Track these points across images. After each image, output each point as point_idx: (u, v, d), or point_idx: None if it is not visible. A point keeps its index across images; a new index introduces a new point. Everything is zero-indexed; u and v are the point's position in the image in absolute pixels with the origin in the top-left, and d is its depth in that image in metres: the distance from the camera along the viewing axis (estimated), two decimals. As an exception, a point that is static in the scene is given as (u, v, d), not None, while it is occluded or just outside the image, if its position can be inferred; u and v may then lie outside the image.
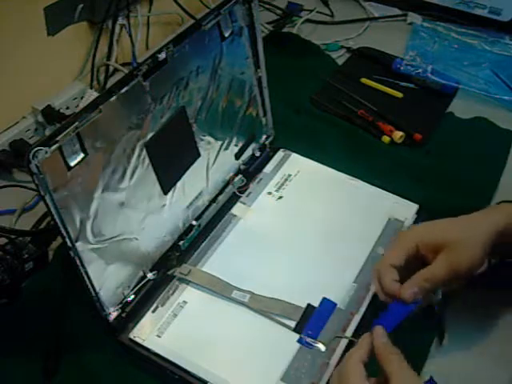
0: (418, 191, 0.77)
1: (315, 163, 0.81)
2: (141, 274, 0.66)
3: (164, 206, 0.68)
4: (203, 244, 0.70)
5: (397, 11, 1.16)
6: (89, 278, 0.57)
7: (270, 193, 0.77)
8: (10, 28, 0.79)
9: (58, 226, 0.53)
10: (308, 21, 1.14)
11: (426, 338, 0.63)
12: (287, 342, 0.61)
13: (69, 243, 0.54)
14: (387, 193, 0.76)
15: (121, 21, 0.95)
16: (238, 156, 0.79)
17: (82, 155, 0.54)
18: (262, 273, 0.67)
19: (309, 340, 0.61)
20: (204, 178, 0.74)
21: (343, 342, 0.61)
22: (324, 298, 0.64)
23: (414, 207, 0.74)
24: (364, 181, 0.78)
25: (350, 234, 0.71)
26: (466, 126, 0.90)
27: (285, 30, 1.11)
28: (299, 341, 0.61)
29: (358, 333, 0.61)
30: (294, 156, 0.82)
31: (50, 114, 0.83)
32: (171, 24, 1.09)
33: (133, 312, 0.63)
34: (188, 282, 0.66)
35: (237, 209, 0.75)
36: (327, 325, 0.62)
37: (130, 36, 0.97)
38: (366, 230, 0.70)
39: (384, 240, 0.70)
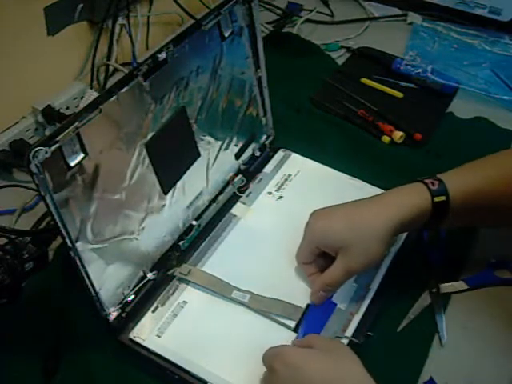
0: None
1: (315, 163, 0.81)
2: (141, 274, 0.66)
3: (164, 206, 0.68)
4: (203, 244, 0.70)
5: (397, 11, 1.16)
6: (89, 277, 0.57)
7: (270, 193, 0.77)
8: (10, 28, 0.80)
9: (58, 226, 0.53)
10: (308, 21, 1.14)
11: (425, 338, 0.63)
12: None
13: (69, 243, 0.54)
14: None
15: (121, 21, 0.95)
16: (238, 156, 0.79)
17: (81, 155, 0.54)
18: (262, 273, 0.67)
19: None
20: (204, 178, 0.74)
21: (343, 342, 0.60)
22: None
23: (414, 207, 0.74)
24: (364, 181, 0.78)
25: None
26: (466, 126, 0.90)
27: (285, 30, 1.11)
28: None
29: (358, 333, 0.61)
30: (294, 156, 0.82)
31: (50, 114, 0.83)
32: (171, 24, 1.09)
33: (133, 312, 0.63)
34: (188, 282, 0.66)
35: (237, 209, 0.75)
36: (327, 325, 0.62)
37: (130, 36, 0.97)
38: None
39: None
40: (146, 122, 0.62)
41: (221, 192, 0.76)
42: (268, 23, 1.12)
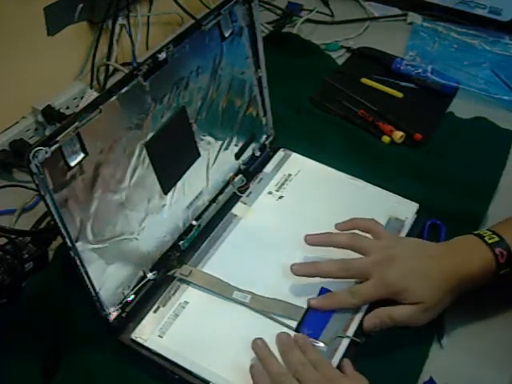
0: (418, 191, 0.77)
1: (315, 163, 0.81)
2: (141, 274, 0.66)
3: (164, 206, 0.68)
4: (204, 244, 0.70)
5: (397, 11, 1.16)
6: (89, 277, 0.57)
7: (270, 192, 0.77)
8: (10, 28, 0.79)
9: (58, 226, 0.53)
10: (308, 21, 1.14)
11: (426, 338, 0.63)
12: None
13: (69, 243, 0.54)
14: (387, 192, 0.76)
15: (121, 21, 0.95)
16: (238, 156, 0.79)
17: (82, 155, 0.54)
18: (263, 273, 0.67)
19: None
20: (204, 178, 0.74)
21: (345, 342, 0.60)
22: (323, 288, 0.64)
23: (415, 206, 0.74)
24: (364, 181, 0.78)
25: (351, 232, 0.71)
26: (466, 126, 0.90)
27: (285, 30, 1.11)
28: None
29: (359, 332, 0.61)
30: (295, 156, 0.82)
31: (50, 114, 0.83)
32: (171, 24, 1.09)
33: (133, 312, 0.63)
34: (189, 283, 0.66)
35: (237, 209, 0.75)
36: (328, 325, 0.62)
37: (130, 36, 0.97)
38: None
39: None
40: (146, 122, 0.62)
41: (221, 192, 0.76)
42: (268, 23, 1.12)
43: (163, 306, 0.64)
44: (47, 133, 0.84)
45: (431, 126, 0.89)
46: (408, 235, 0.71)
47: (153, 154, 0.63)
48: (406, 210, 0.74)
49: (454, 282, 0.61)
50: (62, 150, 0.52)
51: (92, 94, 0.88)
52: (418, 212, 0.74)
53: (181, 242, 0.70)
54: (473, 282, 0.62)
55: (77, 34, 0.91)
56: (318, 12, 1.15)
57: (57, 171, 0.52)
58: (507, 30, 1.07)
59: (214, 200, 0.75)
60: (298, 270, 0.65)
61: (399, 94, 0.96)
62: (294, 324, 0.62)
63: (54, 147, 0.50)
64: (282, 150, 0.83)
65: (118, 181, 0.60)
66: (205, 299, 0.65)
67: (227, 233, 0.72)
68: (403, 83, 0.98)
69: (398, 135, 0.86)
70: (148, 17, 1.02)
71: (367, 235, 0.66)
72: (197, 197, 0.73)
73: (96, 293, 0.59)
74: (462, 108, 0.93)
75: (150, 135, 0.63)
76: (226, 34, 0.69)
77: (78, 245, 0.56)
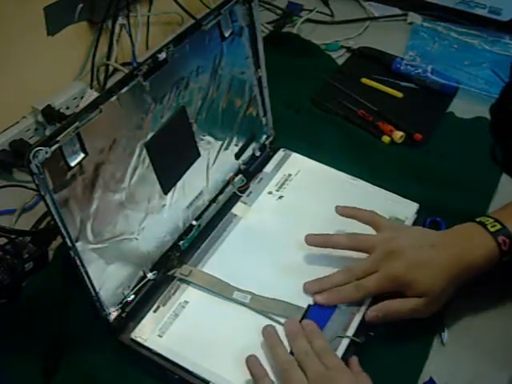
0: (418, 191, 0.77)
1: (315, 163, 0.81)
2: (141, 273, 0.66)
3: (164, 205, 0.68)
4: (204, 244, 0.70)
5: (397, 11, 1.15)
6: (89, 277, 0.57)
7: (270, 192, 0.77)
8: (10, 28, 0.79)
9: (58, 226, 0.53)
10: (308, 21, 1.14)
11: (426, 337, 0.63)
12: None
13: (69, 243, 0.54)
14: (387, 192, 0.76)
15: (121, 21, 0.95)
16: (238, 156, 0.79)
17: (82, 155, 0.54)
18: (263, 273, 0.67)
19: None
20: (204, 177, 0.74)
21: (344, 342, 0.60)
22: None
23: (415, 206, 0.74)
24: (364, 181, 0.78)
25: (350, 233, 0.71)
26: (466, 126, 0.90)
27: (285, 29, 1.11)
28: None
29: (359, 332, 0.61)
30: (295, 156, 0.82)
31: (50, 114, 0.83)
32: (171, 24, 1.09)
33: (133, 312, 0.63)
34: (189, 283, 0.66)
35: (237, 208, 0.75)
36: (328, 324, 0.62)
37: (130, 36, 0.97)
38: (366, 230, 0.70)
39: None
40: (146, 122, 0.62)
41: (221, 192, 0.76)
42: (268, 23, 1.12)
43: (163, 305, 0.64)
44: (47, 133, 0.84)
45: (431, 125, 0.89)
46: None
47: (153, 153, 0.63)
48: (406, 209, 0.74)
49: (457, 271, 0.61)
50: (62, 150, 0.52)
51: (92, 94, 0.88)
52: (418, 212, 0.74)
53: (181, 242, 0.70)
54: (476, 270, 0.61)
55: (77, 34, 0.91)
56: (317, 12, 1.15)
57: (57, 171, 0.52)
58: (507, 29, 1.07)
59: (214, 200, 0.75)
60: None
61: (399, 94, 0.96)
62: (294, 324, 0.62)
63: (54, 147, 0.50)
64: (282, 149, 0.83)
65: (118, 181, 0.60)
66: (205, 299, 0.65)
67: (227, 233, 0.72)
68: (403, 83, 0.98)
69: (398, 135, 0.86)
70: (148, 17, 1.02)
71: (367, 228, 0.66)
72: (197, 197, 0.73)
73: (96, 293, 0.59)
74: (461, 108, 0.93)
75: (150, 135, 0.63)
76: (226, 34, 0.69)
77: (78, 245, 0.56)
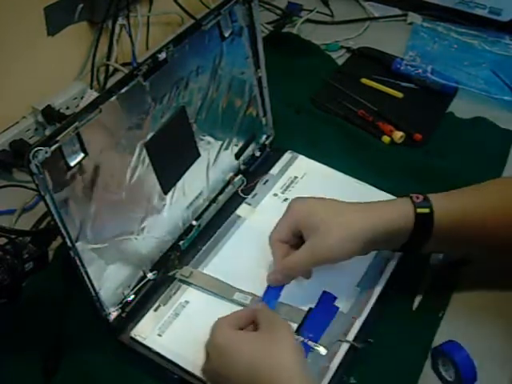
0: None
1: (322, 166, 0.80)
2: (141, 274, 0.66)
3: (164, 205, 0.68)
4: (206, 245, 0.70)
5: (397, 11, 1.16)
6: (89, 277, 0.57)
7: (275, 194, 0.77)
8: (10, 28, 0.79)
9: (58, 226, 0.53)
10: (308, 21, 1.14)
11: (426, 337, 0.63)
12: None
13: (69, 243, 0.54)
14: (393, 196, 0.75)
15: (121, 21, 0.95)
16: (238, 156, 0.79)
17: (81, 155, 0.54)
18: (265, 275, 0.67)
19: (310, 343, 0.60)
20: (204, 177, 0.74)
21: (344, 346, 0.60)
22: (324, 292, 0.64)
23: (415, 207, 0.74)
24: (364, 181, 0.77)
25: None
26: (466, 126, 0.90)
27: (285, 30, 1.11)
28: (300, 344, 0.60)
29: (359, 337, 0.61)
30: (301, 158, 0.81)
31: (50, 114, 0.83)
32: (171, 24, 1.09)
33: (133, 312, 0.63)
34: (190, 284, 0.66)
35: (242, 210, 0.75)
36: (329, 328, 0.62)
37: (130, 36, 0.97)
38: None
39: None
40: (146, 122, 0.62)
41: (221, 192, 0.76)
42: (268, 23, 1.12)
43: (164, 304, 0.64)
44: (47, 133, 0.84)
45: (431, 126, 0.89)
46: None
47: (153, 153, 0.63)
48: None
49: (361, 208, 0.62)
50: (62, 150, 0.52)
51: (92, 94, 0.88)
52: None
53: (181, 242, 0.70)
54: (387, 220, 0.60)
55: (77, 33, 0.91)
56: (317, 12, 1.15)
57: (57, 171, 0.52)
58: (507, 30, 1.07)
59: (214, 200, 0.75)
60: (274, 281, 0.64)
61: (399, 94, 0.96)
62: (294, 326, 0.62)
63: (53, 147, 0.50)
64: (288, 152, 0.82)
65: (117, 181, 0.60)
66: (206, 299, 0.65)
67: (231, 234, 0.72)
68: (403, 83, 0.98)
69: (398, 135, 0.86)
70: (148, 17, 1.02)
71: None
72: (197, 197, 0.73)
73: (96, 293, 0.59)
74: (461, 108, 0.93)
75: (149, 135, 0.63)
76: (226, 34, 0.69)
77: (78, 245, 0.56)
